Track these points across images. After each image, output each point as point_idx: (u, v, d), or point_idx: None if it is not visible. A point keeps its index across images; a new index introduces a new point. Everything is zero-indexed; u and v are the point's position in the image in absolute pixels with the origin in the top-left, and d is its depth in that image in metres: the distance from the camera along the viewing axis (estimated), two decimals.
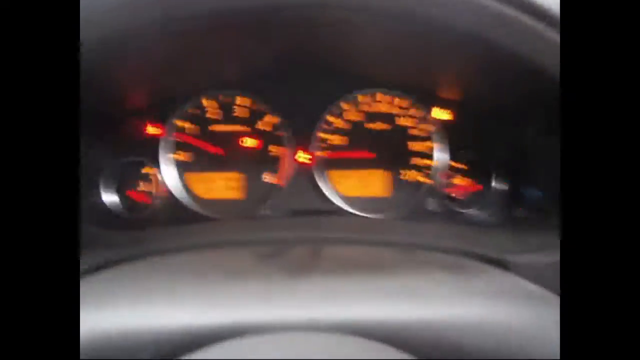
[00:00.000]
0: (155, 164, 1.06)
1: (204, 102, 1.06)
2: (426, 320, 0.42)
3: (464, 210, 1.08)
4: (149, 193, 1.07)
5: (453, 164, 1.08)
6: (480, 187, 1.07)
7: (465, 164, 1.07)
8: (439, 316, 0.42)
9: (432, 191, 1.08)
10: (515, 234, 0.80)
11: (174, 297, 0.47)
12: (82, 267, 0.63)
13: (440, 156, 1.07)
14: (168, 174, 1.07)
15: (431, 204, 1.08)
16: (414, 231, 0.75)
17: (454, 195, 1.06)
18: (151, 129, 1.05)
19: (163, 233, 0.90)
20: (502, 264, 0.63)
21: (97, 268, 0.62)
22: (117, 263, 0.62)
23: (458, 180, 1.08)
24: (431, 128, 1.07)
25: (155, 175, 1.07)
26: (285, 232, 0.76)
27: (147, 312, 0.44)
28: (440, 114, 1.06)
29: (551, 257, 0.62)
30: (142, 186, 1.08)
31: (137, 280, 0.52)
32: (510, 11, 0.58)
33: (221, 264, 0.57)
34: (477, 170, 1.07)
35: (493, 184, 1.07)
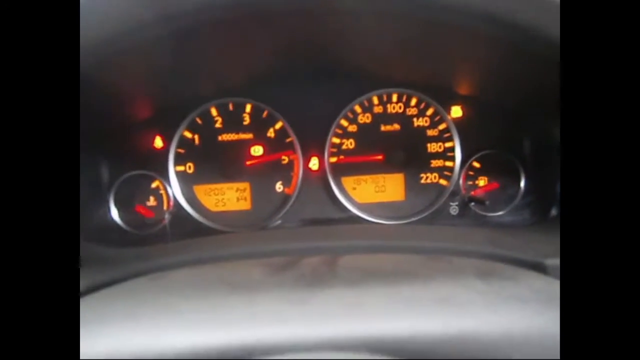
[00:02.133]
0: (164, 177, 1.03)
1: (212, 111, 1.02)
2: (466, 332, 0.36)
3: (491, 214, 1.01)
4: (159, 208, 1.03)
5: (476, 164, 1.01)
6: (507, 188, 1.01)
7: (490, 164, 1.01)
8: (480, 327, 0.36)
9: (454, 194, 1.02)
10: (550, 235, 0.73)
11: (176, 314, 0.42)
12: (86, 285, 0.59)
13: (461, 156, 1.01)
14: (177, 188, 1.03)
15: (454, 208, 1.02)
16: (439, 236, 0.69)
17: (479, 197, 1.00)
18: (158, 141, 1.02)
19: (172, 248, 0.86)
20: (540, 268, 0.57)
21: (102, 286, 0.58)
22: (122, 280, 0.58)
23: (482, 182, 1.02)
24: (450, 127, 1.01)
25: (164, 189, 1.03)
26: (298, 243, 0.71)
27: (147, 331, 0.40)
28: (459, 112, 1.01)
29: None
30: (152, 201, 1.04)
31: (138, 297, 0.48)
32: None
33: (228, 277, 0.52)
34: (504, 170, 1.00)
35: (522, 183, 1.00)
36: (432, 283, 0.45)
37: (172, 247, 0.83)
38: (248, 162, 1.02)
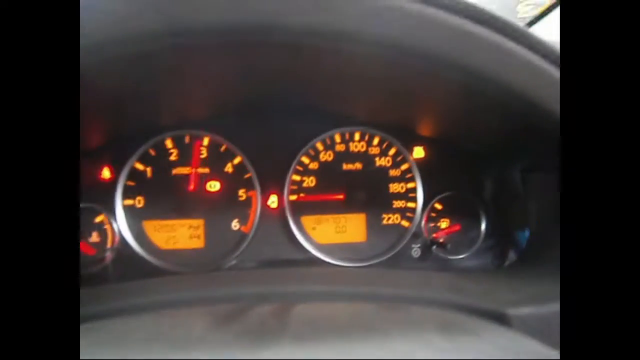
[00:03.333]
0: (110, 211, 0.95)
1: (168, 142, 0.97)
2: None
3: (452, 257, 0.99)
4: (101, 245, 0.95)
5: (438, 206, 1.01)
6: (469, 231, 1.00)
7: (452, 206, 1.00)
8: None
9: (415, 236, 1.00)
10: (511, 282, 0.72)
11: None
12: None
13: (422, 198, 1.00)
14: (123, 223, 0.96)
15: (415, 251, 1.00)
16: (399, 282, 0.66)
17: (440, 240, 0.98)
18: (106, 172, 0.95)
19: (113, 291, 0.78)
20: (502, 319, 0.55)
21: None
22: None
23: (444, 224, 1.01)
24: (413, 168, 1.00)
25: (109, 224, 0.96)
26: (252, 287, 0.66)
27: None
28: (422, 153, 1.00)
29: (550, 308, 0.55)
30: (95, 237, 0.96)
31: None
32: (499, 40, 0.53)
33: (166, 331, 0.46)
34: (465, 212, 1.00)
35: (483, 226, 1.00)
36: (388, 339, 0.41)
37: (112, 290, 0.75)
38: (203, 198, 0.97)
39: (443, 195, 1.00)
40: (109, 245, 0.95)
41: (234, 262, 0.97)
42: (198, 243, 0.98)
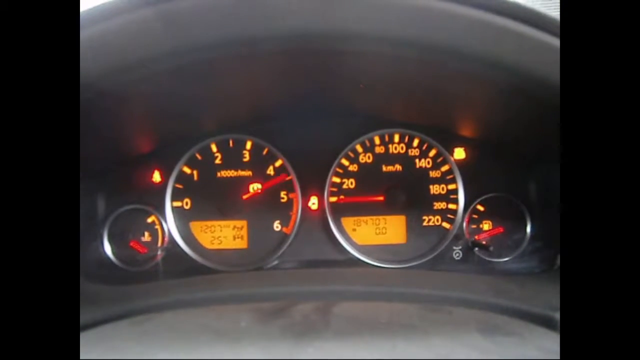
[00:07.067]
0: (161, 212, 1.00)
1: (213, 147, 1.01)
2: None
3: (495, 260, 0.97)
4: (153, 244, 1.01)
5: (480, 207, 0.99)
6: (513, 233, 0.98)
7: (494, 208, 0.98)
8: None
9: (457, 238, 0.98)
10: (558, 285, 0.69)
11: None
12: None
13: (464, 199, 0.98)
14: (172, 223, 1.01)
15: (457, 253, 0.99)
16: (440, 283, 0.66)
17: (483, 242, 0.96)
18: (157, 176, 1.01)
19: (162, 288, 0.82)
20: (548, 322, 0.53)
21: (82, 328, 0.55)
22: (103, 322, 0.54)
23: (486, 226, 0.99)
24: (454, 169, 0.99)
25: (160, 225, 1.01)
26: (294, 286, 0.68)
27: None
28: (462, 154, 0.99)
29: None
30: (147, 236, 1.01)
31: (114, 344, 0.44)
32: (530, 31, 0.53)
33: (213, 323, 0.49)
34: (509, 214, 0.97)
35: (528, 228, 0.97)
36: (429, 338, 0.41)
37: (162, 287, 0.80)
38: (246, 200, 1.00)
39: (485, 196, 0.98)
40: (159, 244, 1.00)
41: (275, 262, 1.00)
42: (241, 243, 1.01)
